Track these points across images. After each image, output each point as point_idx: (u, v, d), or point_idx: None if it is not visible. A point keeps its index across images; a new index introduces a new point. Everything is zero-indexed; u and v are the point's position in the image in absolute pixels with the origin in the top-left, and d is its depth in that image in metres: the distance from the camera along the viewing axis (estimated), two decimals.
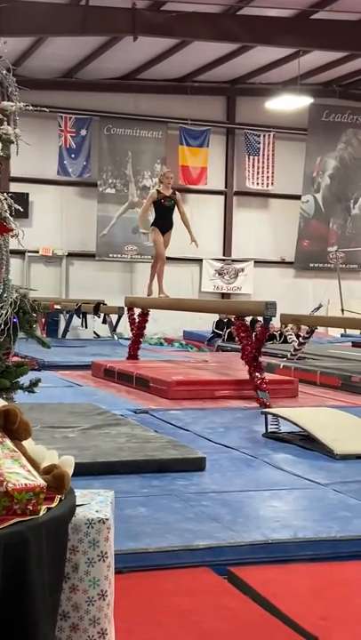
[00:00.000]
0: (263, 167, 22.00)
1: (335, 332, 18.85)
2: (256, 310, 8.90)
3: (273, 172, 21.98)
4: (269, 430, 6.60)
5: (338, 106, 22.09)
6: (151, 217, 12.27)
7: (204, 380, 9.20)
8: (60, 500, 2.45)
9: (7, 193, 4.38)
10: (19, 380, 4.31)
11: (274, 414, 6.71)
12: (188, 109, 21.11)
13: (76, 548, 2.51)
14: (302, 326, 13.35)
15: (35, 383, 4.48)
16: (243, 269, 22.23)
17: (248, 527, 4.08)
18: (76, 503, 2.56)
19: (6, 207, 4.22)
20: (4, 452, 2.39)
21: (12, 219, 4.25)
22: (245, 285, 22.11)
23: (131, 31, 15.50)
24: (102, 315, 16.91)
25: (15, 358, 4.50)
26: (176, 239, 12.31)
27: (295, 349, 12.36)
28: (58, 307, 17.32)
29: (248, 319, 9.78)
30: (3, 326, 4.18)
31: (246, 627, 3.07)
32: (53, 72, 19.58)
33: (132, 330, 11.84)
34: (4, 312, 4.19)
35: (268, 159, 21.98)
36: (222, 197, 22.21)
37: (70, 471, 2.56)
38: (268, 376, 8.82)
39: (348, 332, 18.31)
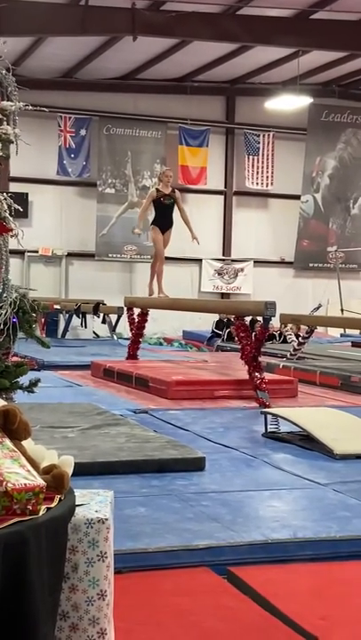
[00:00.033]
0: (263, 167, 21.99)
1: (335, 332, 18.85)
2: (256, 310, 8.90)
3: (272, 172, 21.98)
4: (269, 430, 6.60)
5: (337, 106, 22.08)
6: (151, 216, 12.26)
7: (204, 380, 9.19)
8: (60, 499, 2.45)
9: (7, 193, 4.38)
10: (18, 379, 4.31)
11: (273, 414, 6.71)
12: (187, 109, 21.10)
13: (75, 547, 2.51)
14: (302, 326, 13.34)
15: (34, 383, 4.48)
16: (242, 269, 22.22)
17: (248, 527, 4.07)
18: (76, 503, 2.56)
19: (6, 207, 4.21)
20: (4, 452, 2.39)
21: (11, 219, 4.25)
22: (245, 285, 22.10)
23: (130, 31, 15.50)
24: (102, 315, 16.90)
25: (15, 358, 4.49)
26: (176, 239, 12.31)
27: (295, 349, 12.35)
28: (57, 307, 17.32)
29: (248, 319, 9.76)
30: (2, 326, 4.18)
31: (246, 627, 3.07)
32: (53, 72, 19.57)
33: (131, 330, 11.83)
34: (4, 312, 4.19)
35: (267, 159, 21.97)
36: (222, 197, 22.20)
37: (70, 471, 2.56)
38: (267, 376, 8.81)
39: (348, 331, 18.33)
